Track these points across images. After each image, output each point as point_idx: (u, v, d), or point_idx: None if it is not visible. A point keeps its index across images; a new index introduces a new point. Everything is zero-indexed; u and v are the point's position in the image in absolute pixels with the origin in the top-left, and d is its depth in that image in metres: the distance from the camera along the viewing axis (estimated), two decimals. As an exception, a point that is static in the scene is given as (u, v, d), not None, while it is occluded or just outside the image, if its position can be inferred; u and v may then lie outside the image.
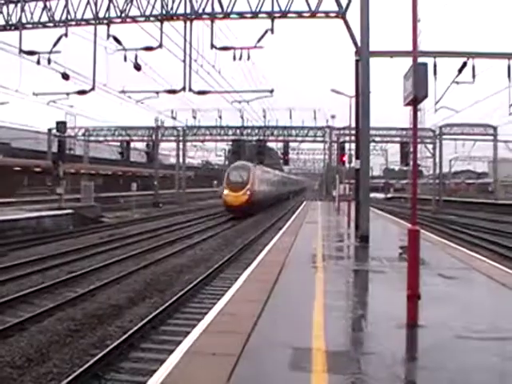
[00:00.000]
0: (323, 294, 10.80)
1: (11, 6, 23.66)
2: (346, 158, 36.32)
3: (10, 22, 23.71)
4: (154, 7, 22.05)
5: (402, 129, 64.17)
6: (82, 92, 23.23)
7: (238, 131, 64.12)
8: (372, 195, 27.78)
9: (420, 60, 9.28)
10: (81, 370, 8.95)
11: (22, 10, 23.37)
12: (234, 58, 22.34)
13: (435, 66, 20.42)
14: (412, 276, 8.61)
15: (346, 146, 40.92)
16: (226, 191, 46.18)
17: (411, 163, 42.33)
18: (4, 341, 10.69)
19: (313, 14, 20.67)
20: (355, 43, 19.64)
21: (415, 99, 9.05)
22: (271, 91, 28.13)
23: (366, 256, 16.91)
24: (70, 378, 8.60)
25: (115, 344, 10.27)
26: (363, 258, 16.75)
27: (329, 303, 9.93)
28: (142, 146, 73.58)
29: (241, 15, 21.75)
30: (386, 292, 11.40)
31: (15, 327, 11.51)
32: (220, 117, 60.52)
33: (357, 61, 20.48)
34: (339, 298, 10.57)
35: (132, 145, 64.21)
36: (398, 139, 62.40)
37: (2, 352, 10.09)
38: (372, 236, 19.55)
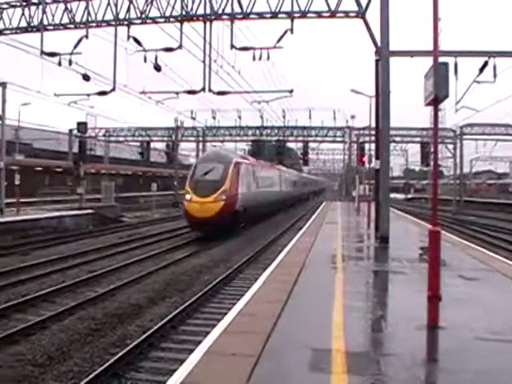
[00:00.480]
0: (343, 294, 10.77)
1: (33, 7, 23.89)
2: (365, 159, 36.20)
3: (32, 24, 23.94)
4: (173, 8, 22.14)
5: (423, 129, 63.72)
6: (102, 93, 23.39)
7: (257, 131, 64.08)
8: (392, 196, 27.62)
9: (440, 59, 9.19)
10: (101, 368, 9.00)
11: (44, 11, 23.59)
12: (254, 59, 22.34)
13: (456, 65, 20.24)
14: (433, 277, 8.56)
15: (366, 146, 40.76)
16: (188, 195, 29.64)
17: (432, 163, 42.01)
18: (26, 339, 10.79)
19: (332, 14, 20.62)
20: (375, 43, 19.55)
21: (436, 99, 8.98)
22: (291, 91, 28.05)
23: (386, 257, 16.83)
24: (91, 376, 8.65)
25: (135, 343, 10.33)
26: (383, 258, 16.68)
27: (348, 304, 9.90)
28: (161, 146, 73.89)
29: (260, 15, 21.77)
30: (406, 293, 11.35)
31: (37, 326, 11.62)
32: (239, 117, 60.57)
33: (377, 60, 20.39)
34: (359, 299, 10.53)
35: (152, 145, 64.43)
36: (418, 139, 61.94)
37: (24, 350, 10.19)
38: (392, 237, 19.45)
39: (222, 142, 65.22)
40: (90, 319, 12.34)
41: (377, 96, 21.36)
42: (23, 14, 24.01)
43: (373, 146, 29.03)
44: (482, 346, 7.58)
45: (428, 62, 9.54)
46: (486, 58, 21.24)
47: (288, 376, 6.45)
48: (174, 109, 45.72)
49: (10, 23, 24.36)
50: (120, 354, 9.65)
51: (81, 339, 11.04)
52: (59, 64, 23.37)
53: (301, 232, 24.70)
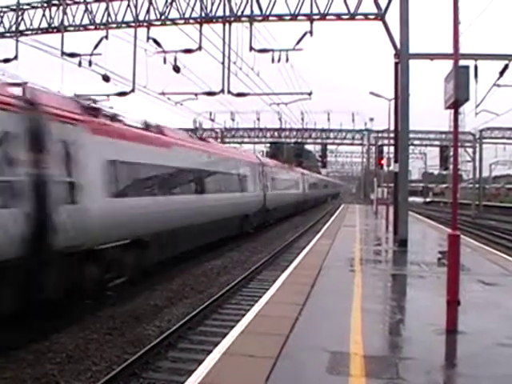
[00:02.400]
0: (361, 297, 10.75)
1: (53, 8, 24.11)
2: (384, 162, 36.09)
3: (53, 25, 24.15)
4: (193, 10, 22.20)
5: (442, 132, 63.39)
6: (122, 94, 23.49)
7: (275, 133, 64.10)
8: (410, 199, 27.61)
9: (460, 62, 9.15)
10: (119, 368, 9.05)
11: (64, 12, 23.78)
12: (273, 61, 22.33)
13: (476, 68, 20.12)
14: (452, 281, 8.51)
15: (385, 149, 40.58)
16: None
17: (451, 167, 41.62)
18: (46, 337, 10.87)
19: (352, 16, 20.58)
20: (395, 45, 19.50)
21: (456, 102, 8.94)
22: (310, 94, 28.04)
23: (405, 260, 16.77)
24: (109, 376, 8.71)
25: (153, 343, 10.37)
26: (401, 262, 16.62)
27: (367, 307, 9.88)
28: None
29: (279, 17, 21.76)
30: (425, 297, 11.29)
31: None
32: (258, 119, 60.61)
33: (396, 63, 20.35)
34: (377, 302, 10.51)
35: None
36: (437, 143, 61.64)
37: (43, 348, 10.28)
38: (410, 240, 19.38)
39: (241, 143, 65.30)
40: (108, 319, 12.42)
41: (396, 99, 21.32)
42: (44, 15, 24.22)
43: (391, 148, 28.95)
44: (501, 351, 7.53)
45: (447, 64, 9.54)
46: (506, 62, 21.09)
47: (306, 378, 6.44)
48: (193, 110, 45.80)
49: (31, 24, 24.58)
50: (138, 354, 9.70)
51: (100, 339, 11.12)
52: (79, 65, 23.51)
53: (319, 234, 24.66)
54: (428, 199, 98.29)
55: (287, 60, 22.55)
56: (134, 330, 11.85)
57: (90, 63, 23.12)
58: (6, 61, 23.62)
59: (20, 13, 24.62)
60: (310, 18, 20.87)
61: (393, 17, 19.51)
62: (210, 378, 6.27)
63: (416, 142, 64.09)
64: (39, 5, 24.42)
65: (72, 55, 23.33)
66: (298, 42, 21.54)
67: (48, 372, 9.21)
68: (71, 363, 9.69)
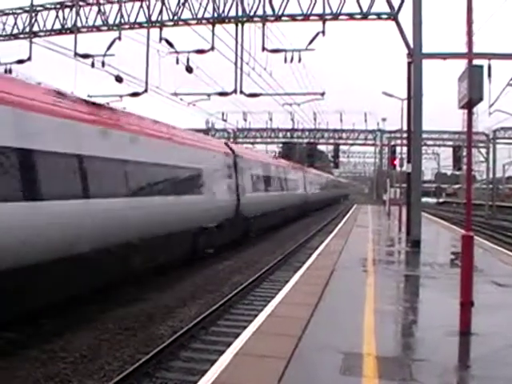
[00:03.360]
0: (374, 298, 10.72)
1: (66, 10, 24.23)
2: (397, 162, 35.96)
3: (66, 26, 24.27)
4: (206, 10, 22.23)
5: (455, 132, 63.09)
6: (135, 94, 23.57)
7: (288, 134, 64.08)
8: (423, 200, 27.44)
9: (474, 62, 9.09)
10: (132, 367, 9.08)
11: (77, 14, 23.88)
12: (285, 61, 22.31)
13: (489, 68, 20.00)
14: (465, 283, 8.46)
15: (398, 149, 40.44)
16: None
17: (464, 168, 41.37)
18: (59, 337, 10.93)
19: (364, 16, 20.51)
20: (407, 45, 19.42)
21: (470, 102, 8.89)
22: (322, 94, 28.00)
23: (418, 261, 16.71)
24: (122, 375, 8.73)
25: (166, 343, 10.39)
26: (414, 263, 16.56)
27: (379, 308, 9.85)
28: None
29: (292, 17, 21.72)
30: (438, 298, 11.24)
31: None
32: (270, 119, 60.61)
33: (409, 63, 20.28)
34: (390, 303, 10.47)
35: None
36: (450, 143, 61.32)
37: (56, 348, 10.33)
38: (423, 241, 19.30)
39: (253, 144, 65.38)
40: (121, 319, 12.46)
41: (409, 99, 21.25)
42: (57, 16, 24.34)
43: (404, 149, 28.85)
44: (515, 353, 7.48)
45: (460, 64, 9.50)
46: (520, 61, 20.96)
47: (319, 379, 6.43)
48: (206, 110, 45.85)
49: (45, 25, 24.71)
50: (151, 354, 9.72)
51: (111, 339, 11.16)
52: (92, 65, 23.62)
53: (332, 235, 24.62)
54: (441, 200, 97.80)
55: (300, 60, 22.52)
56: (146, 329, 11.88)
57: (103, 64, 23.22)
58: (20, 62, 23.77)
59: (33, 14, 24.75)
60: (322, 18, 20.82)
61: (406, 16, 19.45)
62: (223, 379, 6.27)
63: (429, 143, 63.84)
64: (52, 6, 24.55)
65: (85, 56, 23.44)
66: (310, 42, 21.49)
67: (61, 371, 9.26)
68: (84, 363, 9.73)
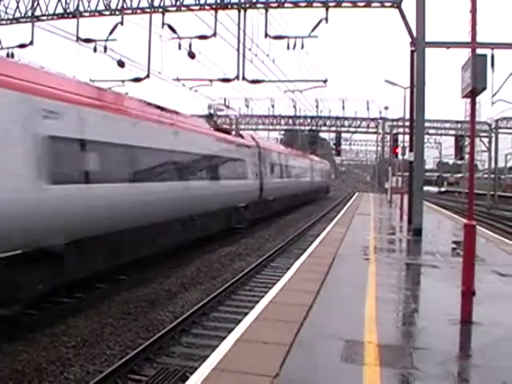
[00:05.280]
0: (375, 286, 10.73)
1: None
2: (398, 150, 35.94)
3: (68, 10, 24.15)
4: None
5: (457, 121, 62.96)
6: (137, 79, 23.51)
7: (290, 121, 63.95)
8: (425, 188, 27.32)
9: (477, 52, 9.04)
10: (134, 352, 9.12)
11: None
12: (288, 48, 22.22)
13: (493, 57, 19.89)
14: (467, 272, 8.47)
15: (400, 137, 40.38)
16: None
17: (466, 157, 41.19)
18: (62, 321, 10.97)
19: (368, 4, 20.39)
20: (411, 34, 19.32)
21: (473, 91, 8.85)
22: (325, 81, 27.89)
23: (419, 250, 16.72)
24: (123, 360, 8.77)
25: (167, 329, 10.43)
26: (416, 251, 16.57)
27: (381, 296, 9.86)
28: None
29: (295, 4, 21.60)
30: (439, 287, 11.27)
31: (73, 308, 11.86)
32: (273, 106, 60.51)
33: (412, 51, 20.21)
34: (391, 291, 10.48)
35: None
36: (452, 132, 61.23)
37: (59, 332, 10.37)
38: (425, 230, 19.32)
39: (255, 130, 65.31)
40: (123, 304, 12.50)
41: (411, 87, 21.21)
42: (60, 0, 24.22)
43: (406, 137, 28.81)
44: (516, 342, 7.49)
45: (463, 53, 9.49)
46: (524, 51, 20.86)
47: (320, 366, 6.45)
48: (208, 96, 45.76)
49: (47, 9, 24.58)
50: (152, 339, 9.76)
51: (114, 323, 11.20)
52: (94, 50, 23.54)
53: (333, 222, 24.63)
54: (442, 189, 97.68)
55: (302, 47, 22.41)
56: (148, 315, 11.93)
57: (106, 49, 23.14)
58: (22, 46, 23.68)
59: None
60: (325, 4, 20.69)
61: (409, 5, 19.35)
62: (224, 364, 6.29)
63: (431, 131, 63.68)
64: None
65: (87, 40, 23.35)
66: (313, 29, 21.39)
67: (63, 355, 9.32)
68: (86, 347, 9.79)
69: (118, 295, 13.21)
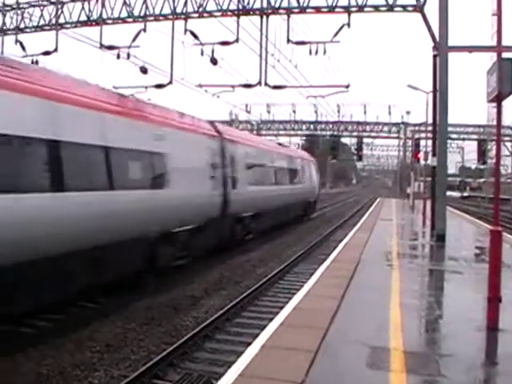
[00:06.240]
0: (399, 292, 10.67)
1: (92, 2, 24.37)
2: (421, 155, 35.73)
3: (92, 18, 24.42)
4: (231, 1, 22.22)
5: (479, 126, 62.35)
6: (159, 86, 23.64)
7: (311, 126, 63.87)
8: (447, 194, 26.96)
9: (503, 55, 8.97)
10: (157, 357, 9.15)
11: (103, 5, 24.02)
12: (310, 53, 22.22)
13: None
14: (493, 278, 8.39)
15: (422, 142, 40.13)
16: None
17: (489, 162, 40.68)
18: (86, 326, 11.05)
19: (390, 8, 20.33)
20: (433, 38, 19.24)
21: (500, 95, 8.79)
22: (347, 86, 27.81)
23: (442, 255, 16.60)
24: (147, 365, 8.81)
25: (190, 334, 10.45)
26: (439, 257, 16.46)
27: (405, 302, 9.80)
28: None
29: (317, 9, 21.63)
30: (464, 293, 11.18)
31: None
32: (294, 111, 60.48)
33: (434, 56, 20.10)
34: (415, 298, 10.43)
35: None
36: (475, 136, 60.66)
37: (83, 337, 10.44)
38: (448, 235, 19.16)
39: (276, 135, 65.35)
40: (146, 309, 12.55)
41: (434, 92, 21.06)
42: (83, 7, 24.50)
43: (429, 142, 28.62)
44: (543, 349, 7.41)
45: (485, 57, 9.38)
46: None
47: (346, 373, 6.43)
48: (230, 102, 45.88)
49: (71, 17, 24.90)
50: (176, 345, 9.78)
51: (136, 328, 11.25)
52: (118, 57, 23.74)
53: (355, 228, 24.54)
54: (465, 194, 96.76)
55: (325, 52, 22.41)
56: (171, 320, 11.96)
57: (129, 55, 23.32)
58: (46, 53, 23.95)
59: (60, 6, 24.92)
60: (347, 9, 20.70)
61: (432, 9, 19.25)
62: (250, 370, 6.29)
63: (453, 136, 63.17)
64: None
65: (110, 47, 23.56)
66: (335, 35, 21.37)
67: (87, 360, 9.36)
68: (110, 352, 9.82)
69: (140, 301, 13.25)
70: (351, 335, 7.75)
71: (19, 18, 25.59)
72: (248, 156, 23.89)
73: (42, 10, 25.39)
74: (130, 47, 23.48)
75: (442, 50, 18.97)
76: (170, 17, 23.02)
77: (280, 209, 28.76)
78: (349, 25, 20.73)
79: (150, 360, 9.18)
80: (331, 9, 21.14)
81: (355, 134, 63.79)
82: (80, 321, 11.36)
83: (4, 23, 25.92)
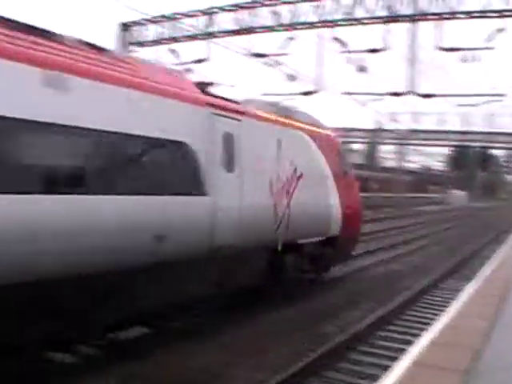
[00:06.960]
0: None
1: (242, 11, 25.10)
2: None
3: (242, 27, 25.13)
4: (379, 8, 21.95)
5: None
6: (307, 93, 23.81)
7: (460, 136, 61.49)
8: None
9: None
10: (301, 364, 9.08)
11: (253, 15, 24.64)
12: (463, 60, 21.42)
13: None
14: None
15: None
16: None
17: None
18: (228, 330, 11.21)
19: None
20: None
21: None
22: (501, 95, 26.49)
23: None
24: (290, 372, 8.74)
25: (333, 343, 10.29)
26: None
27: None
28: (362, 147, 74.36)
29: (469, 14, 20.84)
30: None
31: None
32: (442, 120, 58.49)
33: None
34: None
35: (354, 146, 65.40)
36: None
37: (227, 339, 10.59)
38: None
39: (423, 146, 63.80)
40: (285, 319, 12.56)
41: None
42: (234, 17, 25.33)
43: None
44: None
45: None
46: None
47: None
48: (377, 111, 45.21)
49: (221, 26, 25.81)
50: (318, 354, 9.66)
51: (280, 334, 11.25)
52: (266, 64, 24.23)
53: (507, 245, 23.12)
54: None
55: (477, 59, 21.52)
56: (315, 328, 11.86)
57: (277, 63, 23.74)
58: (198, 61, 24.94)
59: (211, 16, 25.90)
60: (501, 13, 19.75)
61: None
62: (398, 387, 6.00)
63: None
64: (229, 8, 25.54)
65: (259, 55, 24.10)
66: (489, 40, 20.49)
67: (230, 362, 9.48)
68: (253, 356, 9.88)
69: (284, 307, 13.26)
70: (508, 358, 7.20)
71: (175, 28, 26.91)
72: None
73: (196, 19, 26.49)
74: (278, 55, 23.92)
75: None
76: (318, 25, 23.16)
77: None
78: (504, 29, 19.80)
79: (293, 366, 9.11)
80: (484, 13, 20.27)
81: (507, 146, 60.62)
82: (223, 324, 11.56)
83: (160, 33, 27.40)
